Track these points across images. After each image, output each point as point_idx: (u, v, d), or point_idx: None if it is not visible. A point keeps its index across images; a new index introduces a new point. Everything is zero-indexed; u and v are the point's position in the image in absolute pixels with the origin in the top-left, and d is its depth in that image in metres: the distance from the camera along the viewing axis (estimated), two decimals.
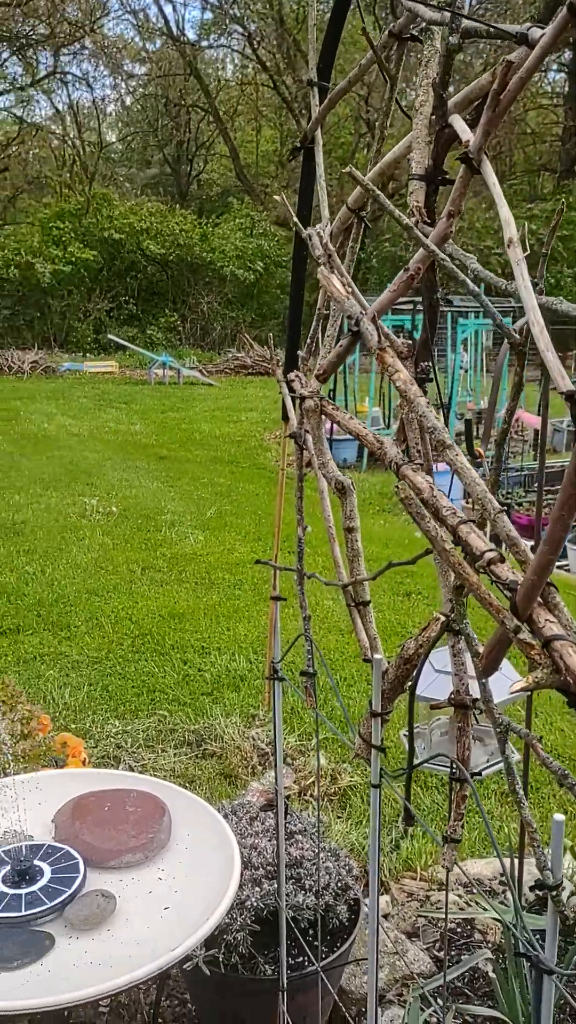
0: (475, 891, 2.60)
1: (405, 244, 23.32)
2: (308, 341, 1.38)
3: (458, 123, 0.82)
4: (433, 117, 0.87)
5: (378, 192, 0.81)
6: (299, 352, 1.42)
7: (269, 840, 2.15)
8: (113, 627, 4.91)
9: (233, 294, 23.07)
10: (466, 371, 13.23)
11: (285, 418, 1.74)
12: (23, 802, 1.78)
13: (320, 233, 1.04)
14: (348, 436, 7.48)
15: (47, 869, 1.61)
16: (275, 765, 1.78)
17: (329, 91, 1.27)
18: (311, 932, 2.18)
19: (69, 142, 30.44)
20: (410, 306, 11.87)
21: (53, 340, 21.65)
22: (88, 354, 20.93)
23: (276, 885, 2.04)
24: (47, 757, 2.37)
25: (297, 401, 1.35)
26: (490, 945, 2.44)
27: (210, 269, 22.74)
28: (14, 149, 30.28)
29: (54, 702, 3.93)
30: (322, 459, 1.29)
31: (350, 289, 0.92)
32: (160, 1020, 2.32)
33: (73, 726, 3.66)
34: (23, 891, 1.56)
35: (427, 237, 0.81)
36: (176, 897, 1.59)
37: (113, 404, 15.38)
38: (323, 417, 1.25)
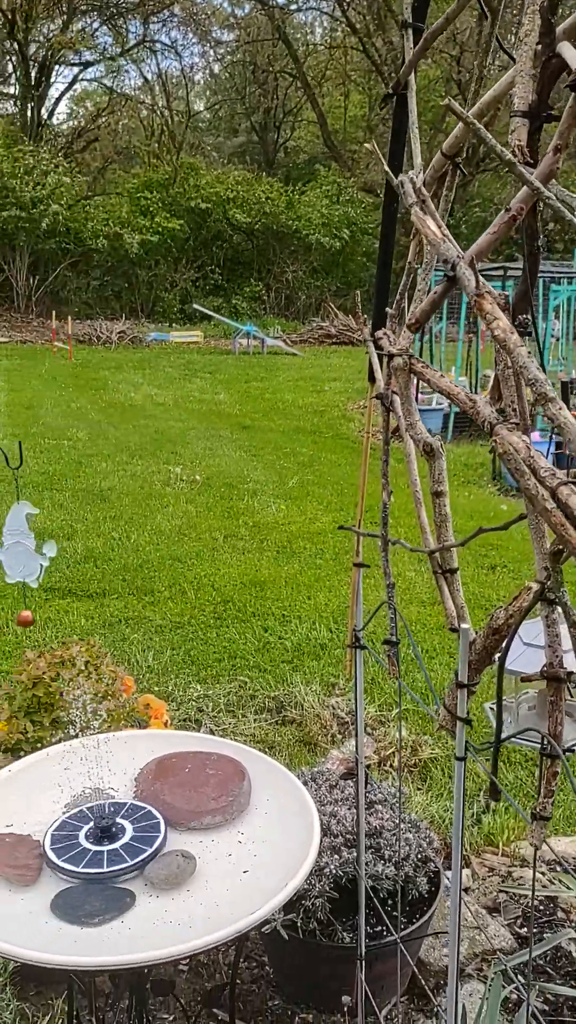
0: (560, 869, 2.54)
1: (495, 208, 22.74)
2: (397, 297, 1.33)
3: (568, 51, 0.76)
4: (539, 46, 0.81)
5: (479, 125, 0.76)
6: (388, 310, 1.37)
7: (348, 808, 2.14)
8: (195, 593, 4.95)
9: (318, 263, 22.88)
10: (557, 340, 12.86)
11: (372, 379, 1.69)
12: (106, 761, 1.80)
13: (413, 179, 0.98)
14: (433, 406, 7.31)
15: (129, 827, 1.63)
16: (356, 734, 1.76)
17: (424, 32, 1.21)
18: (390, 902, 2.16)
19: (158, 112, 30.54)
20: (500, 271, 11.58)
21: (140, 310, 21.88)
22: (174, 324, 21.09)
23: (355, 853, 2.02)
24: (130, 718, 2.40)
25: (385, 360, 1.31)
26: (574, 924, 2.38)
27: (295, 237, 22.58)
28: (104, 120, 30.55)
29: (138, 665, 3.99)
30: (410, 419, 1.25)
31: (445, 233, 0.87)
32: (238, 981, 2.34)
33: (156, 688, 3.71)
34: (105, 848, 1.57)
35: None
36: (255, 861, 1.58)
37: (198, 374, 15.48)
38: (411, 378, 1.21)
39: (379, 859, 2.15)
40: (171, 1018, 2.20)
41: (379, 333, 1.33)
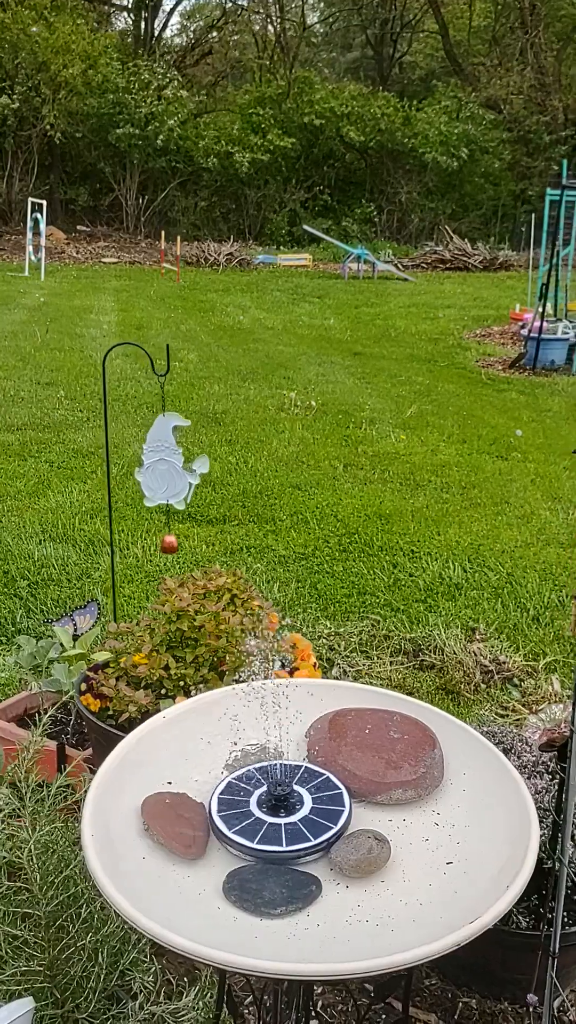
0: None
1: None
2: None
3: None
4: None
5: None
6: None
7: (549, 781, 1.86)
8: (318, 523, 4.70)
9: (434, 183, 21.86)
10: None
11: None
12: (271, 715, 1.56)
13: None
14: (558, 336, 6.80)
15: (307, 797, 1.39)
16: (575, 698, 1.46)
17: None
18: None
19: (271, 23, 29.44)
20: None
21: (248, 232, 21.39)
22: (282, 247, 20.55)
23: (550, 833, 1.75)
24: (278, 658, 2.16)
25: None
26: None
27: (411, 156, 21.58)
28: (214, 35, 29.63)
29: (263, 597, 3.76)
30: None
31: None
32: None
33: (285, 623, 3.49)
34: (282, 820, 1.34)
35: None
36: (459, 850, 1.32)
37: (307, 298, 15.05)
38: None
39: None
40: (339, 1004, 2.00)
41: None
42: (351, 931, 1.18)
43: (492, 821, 1.37)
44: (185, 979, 1.86)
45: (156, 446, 2.25)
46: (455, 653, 3.28)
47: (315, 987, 1.91)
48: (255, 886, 1.24)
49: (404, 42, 32.30)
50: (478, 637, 3.52)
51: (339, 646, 3.38)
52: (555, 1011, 1.97)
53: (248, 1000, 1.94)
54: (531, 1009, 1.88)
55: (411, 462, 5.98)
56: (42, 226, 15.14)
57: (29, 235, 15.96)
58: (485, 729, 2.14)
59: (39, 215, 15.01)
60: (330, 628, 3.52)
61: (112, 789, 1.41)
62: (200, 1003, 1.70)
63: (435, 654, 3.33)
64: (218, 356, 9.61)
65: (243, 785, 1.42)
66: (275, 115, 21.43)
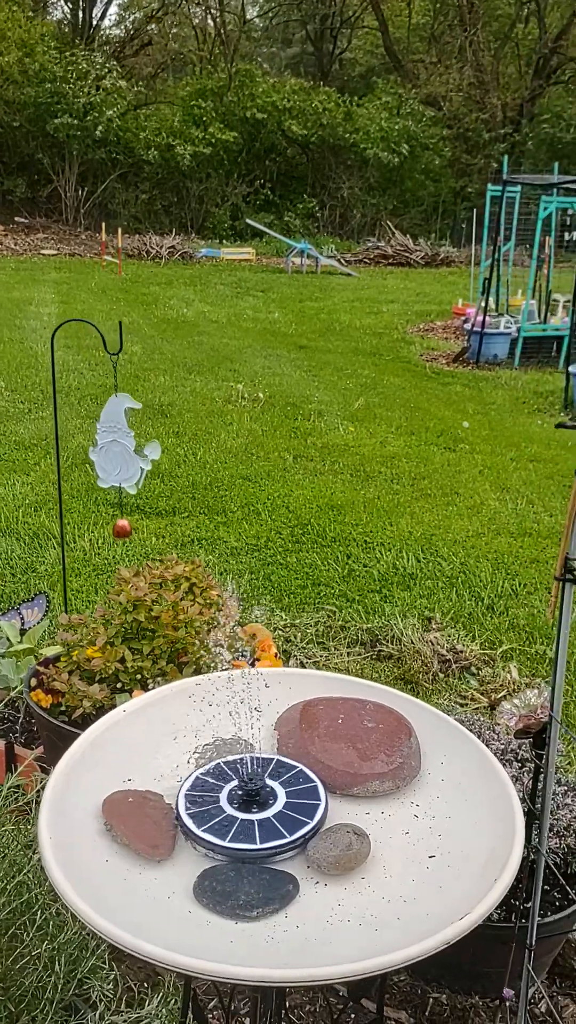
0: None
1: (566, 125, 21.55)
2: None
3: None
4: None
5: None
6: None
7: (519, 769, 1.81)
8: (270, 515, 4.62)
9: (375, 179, 21.90)
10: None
11: None
12: (238, 702, 1.48)
13: None
14: (500, 330, 6.85)
15: (280, 792, 1.31)
16: (554, 683, 1.41)
17: None
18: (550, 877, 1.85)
19: (210, 15, 29.17)
20: None
21: (190, 225, 21.18)
22: (224, 241, 20.40)
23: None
24: (238, 650, 2.08)
25: None
26: None
27: (353, 151, 21.58)
28: (153, 28, 29.26)
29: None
30: None
31: None
32: None
33: (238, 616, 3.40)
34: (255, 817, 1.26)
35: None
36: (441, 843, 1.26)
37: (251, 292, 14.96)
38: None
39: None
40: (306, 1004, 1.93)
41: None
42: (332, 932, 1.11)
43: (473, 812, 1.31)
44: (146, 985, 1.77)
45: (110, 426, 2.15)
46: (412, 643, 3.24)
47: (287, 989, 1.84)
48: (228, 887, 1.16)
49: (344, 38, 32.31)
50: (434, 626, 3.48)
51: (295, 637, 3.31)
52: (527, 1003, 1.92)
53: (213, 1004, 1.86)
54: (505, 1003, 1.83)
55: (360, 454, 5.94)
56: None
57: None
58: (456, 717, 2.09)
59: None
60: (285, 620, 3.44)
61: (70, 788, 1.32)
62: (163, 1010, 1.61)
63: (392, 644, 3.28)
64: (163, 349, 9.46)
65: (212, 780, 1.33)
66: (216, 108, 21.25)
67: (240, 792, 1.29)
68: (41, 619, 2.45)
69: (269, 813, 1.27)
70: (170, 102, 22.93)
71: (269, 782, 1.32)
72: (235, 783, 1.31)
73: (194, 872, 1.19)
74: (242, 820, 1.25)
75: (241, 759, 1.36)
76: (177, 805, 1.28)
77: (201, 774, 1.35)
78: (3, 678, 2.26)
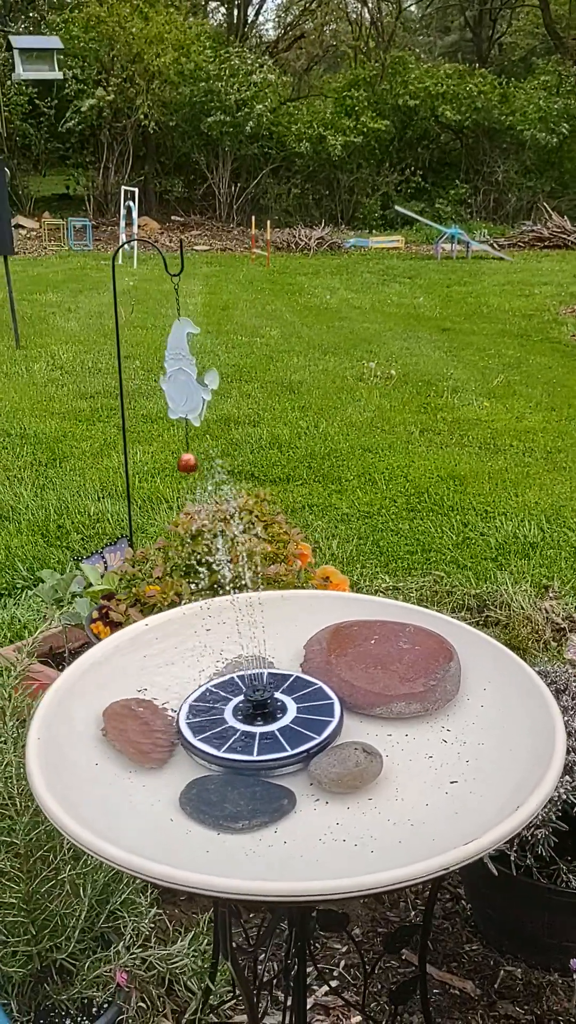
0: None
1: None
2: None
3: None
4: None
5: None
6: None
7: None
8: (387, 484, 4.46)
9: (532, 161, 21.08)
10: None
11: None
12: (268, 626, 1.37)
13: None
14: None
15: (291, 706, 1.19)
16: None
17: None
18: None
19: (367, 5, 29.01)
20: None
21: (340, 217, 21.10)
22: (374, 230, 20.21)
23: None
24: (304, 588, 1.96)
25: None
26: None
27: (508, 134, 20.86)
28: (309, 26, 29.40)
29: (321, 551, 3.57)
30: None
31: None
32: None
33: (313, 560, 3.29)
34: (257, 729, 1.15)
35: None
36: (467, 769, 1.11)
37: (397, 279, 14.74)
38: None
39: None
40: (343, 949, 1.80)
41: None
42: (322, 850, 0.99)
43: (511, 739, 1.15)
44: (181, 925, 1.69)
45: (175, 354, 2.08)
46: (523, 608, 3.02)
47: (312, 936, 1.71)
48: (215, 797, 1.05)
49: (504, 21, 31.42)
50: (551, 595, 3.24)
51: (397, 599, 3.15)
52: None
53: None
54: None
55: (493, 428, 5.68)
56: (134, 214, 15.25)
57: (122, 223, 16.11)
58: (537, 669, 1.90)
59: (131, 203, 15.12)
60: (389, 583, 3.30)
61: (75, 693, 1.25)
62: (193, 949, 1.52)
63: (501, 610, 3.07)
64: (300, 332, 9.43)
65: (221, 693, 1.23)
66: (368, 97, 21.06)
67: (247, 704, 1.18)
68: (123, 562, 2.42)
69: (274, 727, 1.15)
70: (323, 95, 22.93)
71: (281, 696, 1.21)
72: (242, 697, 1.20)
73: (186, 782, 1.09)
74: (243, 732, 1.14)
75: (257, 674, 1.25)
76: (179, 714, 1.18)
77: (212, 687, 1.25)
78: (76, 615, 2.24)
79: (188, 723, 1.16)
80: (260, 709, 1.17)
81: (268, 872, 0.94)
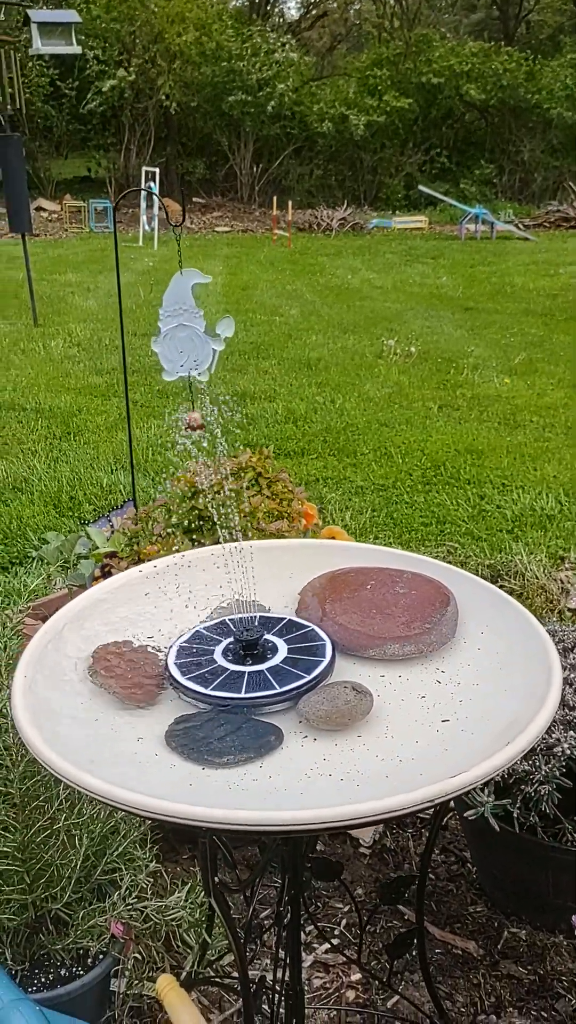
0: None
1: None
2: None
3: None
4: None
5: None
6: None
7: None
8: (403, 458, 4.42)
9: (559, 140, 20.81)
10: None
11: None
12: (262, 575, 1.34)
13: None
14: None
15: (282, 647, 1.17)
16: None
17: None
18: None
19: None
20: None
21: (363, 197, 20.95)
22: (397, 211, 20.04)
23: None
24: None
25: None
26: None
27: (535, 112, 20.59)
28: (333, 4, 29.09)
29: (332, 522, 3.54)
30: None
31: None
32: (432, 876, 1.89)
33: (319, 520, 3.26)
34: (247, 668, 1.12)
35: None
36: (461, 709, 1.08)
37: (420, 259, 14.61)
38: None
39: None
40: (345, 908, 1.79)
41: None
42: (307, 784, 0.96)
43: (506, 680, 1.12)
44: (178, 879, 1.68)
45: (174, 310, 2.04)
46: (537, 578, 2.98)
47: (307, 888, 1.69)
48: (201, 733, 1.03)
49: None
50: (567, 566, 3.19)
51: None
52: None
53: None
54: None
55: (514, 404, 5.62)
56: (155, 195, 15.21)
57: (143, 205, 16.08)
58: (546, 628, 1.86)
59: (152, 183, 15.08)
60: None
61: (63, 637, 1.23)
62: (191, 903, 1.51)
63: (515, 579, 3.03)
64: (320, 312, 9.37)
65: (212, 635, 1.21)
66: (392, 76, 20.84)
67: (237, 644, 1.16)
68: (125, 519, 2.40)
69: (264, 666, 1.13)
70: (346, 74, 22.72)
71: (272, 638, 1.18)
72: (233, 638, 1.18)
73: (172, 719, 1.08)
74: (232, 671, 1.12)
75: (245, 617, 1.22)
76: (168, 655, 1.16)
77: (203, 629, 1.23)
78: (80, 576, 2.23)
79: (177, 663, 1.14)
80: (250, 650, 1.15)
81: (251, 804, 0.92)
